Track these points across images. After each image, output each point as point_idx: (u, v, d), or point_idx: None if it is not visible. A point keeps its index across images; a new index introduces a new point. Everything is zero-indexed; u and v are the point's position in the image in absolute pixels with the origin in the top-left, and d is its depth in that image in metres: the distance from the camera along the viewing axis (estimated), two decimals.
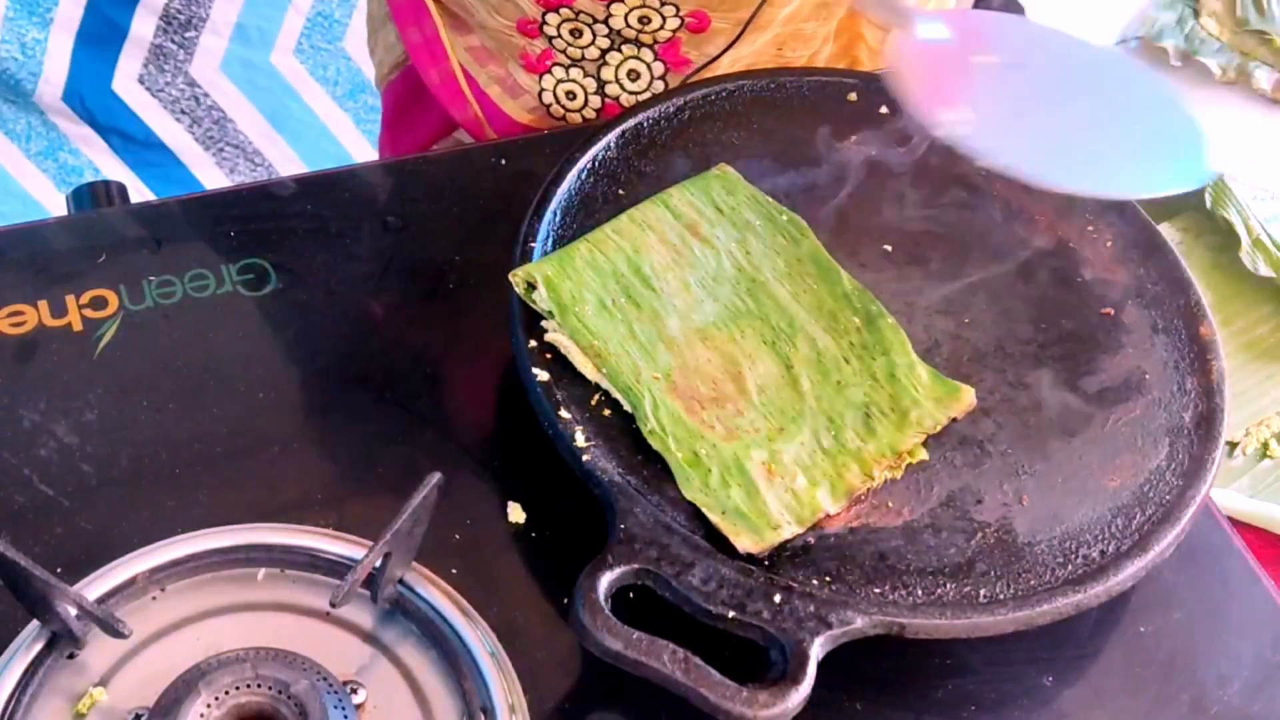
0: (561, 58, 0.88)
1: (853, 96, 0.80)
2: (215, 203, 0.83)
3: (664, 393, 0.64)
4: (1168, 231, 1.01)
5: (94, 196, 0.82)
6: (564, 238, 0.70)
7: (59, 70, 1.73)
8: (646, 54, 0.87)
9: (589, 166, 0.73)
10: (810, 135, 0.77)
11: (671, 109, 0.77)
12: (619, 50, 0.87)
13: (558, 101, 0.90)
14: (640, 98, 0.88)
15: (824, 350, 0.67)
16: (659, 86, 0.89)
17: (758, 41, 0.87)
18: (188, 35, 1.78)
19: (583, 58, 0.88)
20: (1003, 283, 0.71)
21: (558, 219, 0.70)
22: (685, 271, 0.69)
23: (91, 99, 1.76)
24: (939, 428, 0.65)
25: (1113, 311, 0.71)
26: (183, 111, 1.83)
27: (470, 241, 0.77)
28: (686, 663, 0.54)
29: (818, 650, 0.56)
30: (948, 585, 0.59)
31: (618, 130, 0.75)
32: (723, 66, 0.87)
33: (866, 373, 0.66)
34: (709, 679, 0.54)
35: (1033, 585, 0.59)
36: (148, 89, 1.79)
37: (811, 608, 0.56)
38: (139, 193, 1.77)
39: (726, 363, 0.66)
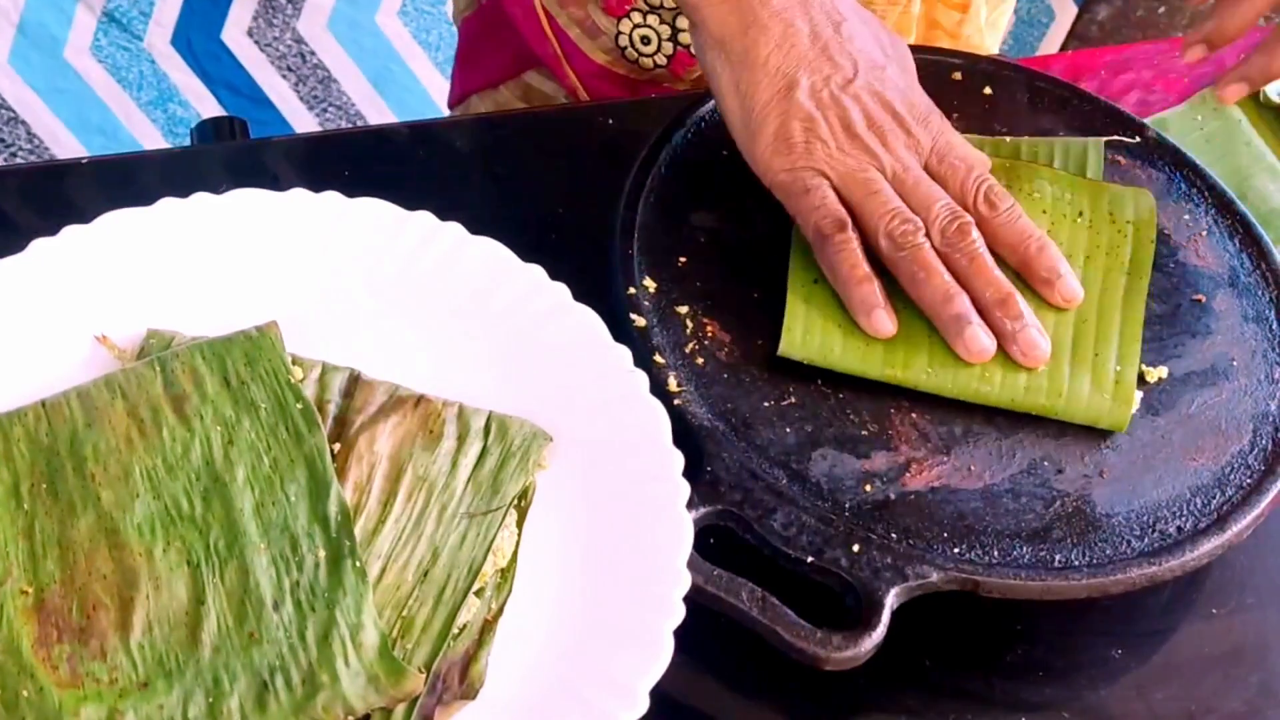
0: (640, 3, 0.91)
1: (957, 75, 0.81)
2: (332, 142, 0.86)
3: (20, 611, 0.52)
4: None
5: (217, 131, 0.85)
6: (665, 194, 0.72)
7: (170, 13, 1.78)
8: None
9: (694, 128, 0.75)
10: None
11: None
12: None
13: (633, 45, 0.93)
14: None
15: (254, 587, 0.53)
16: None
17: None
18: None
19: (661, 5, 0.91)
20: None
21: (662, 171, 0.72)
22: (138, 456, 0.56)
23: (199, 45, 1.81)
24: (358, 715, 0.51)
25: (1204, 298, 0.71)
26: (289, 68, 1.88)
27: (574, 196, 0.79)
28: (764, 601, 0.56)
29: (892, 600, 0.57)
30: (1024, 548, 0.60)
31: None
32: None
33: (297, 626, 0.52)
34: (785, 618, 0.56)
35: (1108, 554, 0.60)
36: (255, 41, 1.84)
37: (889, 559, 0.58)
38: None
39: (125, 583, 0.53)
